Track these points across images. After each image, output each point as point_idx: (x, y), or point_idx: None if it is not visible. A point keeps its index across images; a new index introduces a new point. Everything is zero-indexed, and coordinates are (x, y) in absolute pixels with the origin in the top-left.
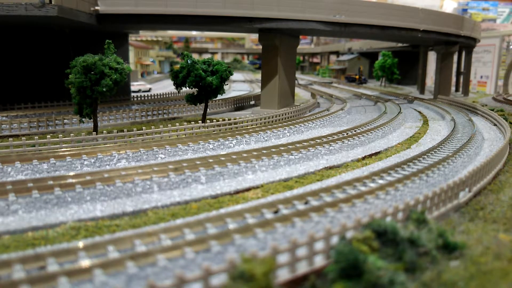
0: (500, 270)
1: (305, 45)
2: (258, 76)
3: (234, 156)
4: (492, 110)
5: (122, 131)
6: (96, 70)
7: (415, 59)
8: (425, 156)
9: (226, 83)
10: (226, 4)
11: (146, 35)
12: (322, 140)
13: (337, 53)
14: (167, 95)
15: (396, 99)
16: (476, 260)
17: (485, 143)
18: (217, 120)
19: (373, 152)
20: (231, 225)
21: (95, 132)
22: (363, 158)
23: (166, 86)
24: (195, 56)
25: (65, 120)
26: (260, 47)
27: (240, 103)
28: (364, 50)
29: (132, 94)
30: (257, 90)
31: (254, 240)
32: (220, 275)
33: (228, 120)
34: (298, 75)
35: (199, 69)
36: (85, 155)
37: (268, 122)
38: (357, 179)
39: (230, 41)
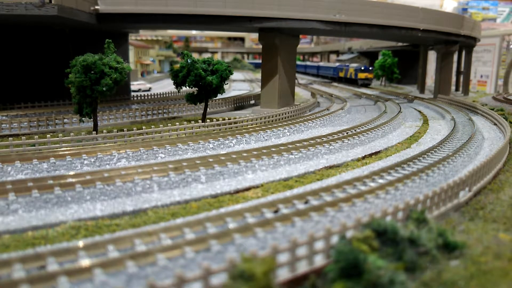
0: (500, 270)
1: (305, 44)
2: (258, 75)
3: (234, 156)
4: (492, 109)
5: (122, 130)
6: (96, 70)
7: (415, 59)
8: (425, 156)
9: (226, 83)
10: (226, 3)
11: (146, 34)
12: (322, 139)
13: (337, 53)
14: (167, 95)
15: (396, 99)
16: (476, 260)
17: (485, 142)
18: (217, 120)
19: (373, 151)
20: (231, 225)
21: (95, 132)
22: (363, 157)
23: (166, 86)
24: (195, 56)
25: (65, 120)
26: (260, 46)
27: (240, 103)
28: (364, 50)
29: (132, 93)
30: (257, 89)
31: (254, 240)
32: (220, 275)
33: (228, 119)
34: (298, 74)
35: (199, 68)
36: (85, 155)
37: (268, 122)
38: (357, 178)
39: (230, 41)
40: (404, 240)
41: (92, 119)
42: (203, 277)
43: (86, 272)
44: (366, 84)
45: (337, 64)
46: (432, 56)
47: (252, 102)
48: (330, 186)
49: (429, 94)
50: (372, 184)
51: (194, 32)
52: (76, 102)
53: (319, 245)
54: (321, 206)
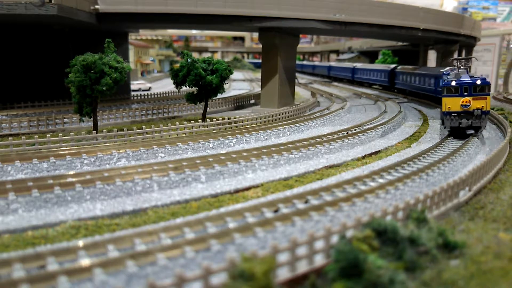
0: (500, 269)
1: (305, 44)
2: (258, 75)
3: (234, 155)
4: (492, 109)
5: (122, 130)
6: (96, 69)
7: (415, 58)
8: (425, 155)
9: (226, 82)
10: (226, 3)
11: (146, 34)
12: (322, 139)
13: (337, 52)
14: (167, 94)
15: (396, 98)
16: (476, 259)
17: (485, 142)
18: (217, 119)
19: (373, 151)
20: (231, 224)
21: (95, 131)
22: (363, 157)
23: (166, 85)
24: (195, 55)
25: (65, 119)
26: (260, 45)
27: (240, 102)
28: (364, 49)
29: (132, 93)
30: (257, 89)
31: (254, 239)
32: (220, 274)
33: (228, 119)
34: (298, 74)
35: (199, 68)
36: (85, 154)
37: (268, 121)
38: (357, 178)
39: (230, 40)
40: (404, 239)
41: (92, 119)
42: (203, 276)
43: (86, 272)
44: (474, 127)
45: (432, 67)
46: (432, 55)
47: (252, 101)
48: (330, 185)
49: None
50: (372, 184)
51: (194, 31)
52: (76, 101)
53: (319, 244)
54: (321, 205)
